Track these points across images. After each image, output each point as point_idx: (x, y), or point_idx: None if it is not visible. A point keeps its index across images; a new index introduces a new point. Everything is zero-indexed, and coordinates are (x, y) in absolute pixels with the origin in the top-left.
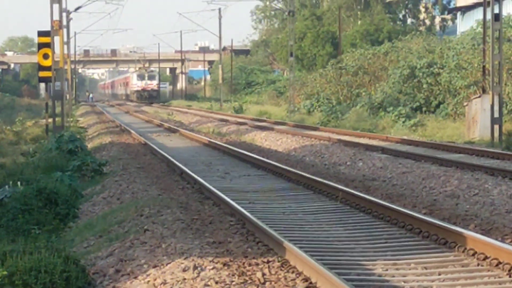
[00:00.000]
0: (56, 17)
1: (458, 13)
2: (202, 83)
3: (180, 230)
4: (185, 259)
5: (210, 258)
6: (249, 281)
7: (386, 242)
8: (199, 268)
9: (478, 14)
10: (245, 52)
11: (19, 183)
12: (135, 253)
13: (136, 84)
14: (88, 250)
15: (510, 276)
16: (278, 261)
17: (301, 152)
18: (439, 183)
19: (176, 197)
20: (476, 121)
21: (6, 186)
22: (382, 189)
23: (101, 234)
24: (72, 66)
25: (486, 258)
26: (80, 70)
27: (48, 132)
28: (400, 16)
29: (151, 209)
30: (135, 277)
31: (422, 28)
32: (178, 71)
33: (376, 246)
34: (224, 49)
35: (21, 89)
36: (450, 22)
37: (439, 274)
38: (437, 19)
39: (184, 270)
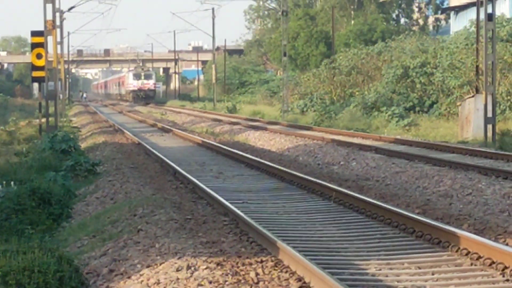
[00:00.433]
0: (49, 17)
1: (452, 13)
2: (196, 83)
3: (173, 230)
4: (178, 259)
5: (204, 258)
6: (243, 281)
7: (379, 242)
8: (192, 268)
9: (471, 13)
10: (239, 52)
11: (12, 183)
12: (128, 253)
13: (132, 83)
14: (82, 250)
15: (503, 276)
16: (272, 261)
17: (295, 152)
18: (432, 183)
19: (170, 197)
20: (469, 121)
21: (0, 186)
22: (376, 188)
23: (94, 234)
24: (66, 66)
25: (479, 257)
26: (73, 70)
27: (41, 132)
28: (394, 16)
29: (144, 209)
30: (129, 277)
31: (415, 28)
32: (171, 71)
33: (369, 246)
34: (218, 49)
35: (15, 89)
36: (443, 22)
37: (433, 274)
38: (431, 19)
39: (177, 270)
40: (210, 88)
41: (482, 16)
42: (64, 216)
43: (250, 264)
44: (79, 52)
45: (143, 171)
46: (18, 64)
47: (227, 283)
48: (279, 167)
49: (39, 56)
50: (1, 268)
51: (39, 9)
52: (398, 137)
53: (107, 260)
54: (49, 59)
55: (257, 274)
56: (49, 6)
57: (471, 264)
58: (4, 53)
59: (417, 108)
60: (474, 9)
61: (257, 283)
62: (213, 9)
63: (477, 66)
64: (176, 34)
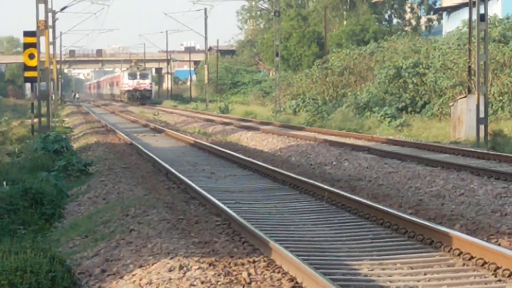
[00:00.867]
0: (42, 17)
1: (444, 13)
2: (188, 83)
3: (166, 230)
4: (171, 259)
5: (196, 258)
6: (235, 281)
7: (372, 242)
8: (185, 268)
9: (463, 14)
10: (231, 52)
11: (4, 183)
12: (121, 253)
13: (127, 83)
14: (74, 250)
15: (495, 276)
16: (264, 261)
17: (287, 152)
18: (424, 183)
19: (162, 197)
20: (461, 121)
21: None
22: (368, 189)
23: (86, 234)
24: (58, 66)
25: (471, 258)
26: (65, 70)
27: (33, 132)
28: (386, 16)
29: (137, 209)
30: (121, 277)
31: (407, 28)
32: (164, 71)
33: (362, 246)
34: (210, 49)
35: (7, 89)
36: (435, 22)
37: (425, 274)
38: (423, 19)
39: (170, 270)
40: (203, 88)
41: (474, 16)
42: (56, 216)
43: (243, 264)
44: (72, 53)
45: (136, 171)
46: (10, 64)
47: (219, 283)
48: (272, 167)
49: (31, 56)
50: None
51: (32, 9)
52: (391, 137)
53: (100, 260)
54: (42, 59)
55: (249, 274)
56: (41, 6)
57: (464, 264)
58: None
59: (410, 109)
60: (466, 9)
61: (250, 283)
62: (205, 9)
63: (469, 67)
64: (168, 34)
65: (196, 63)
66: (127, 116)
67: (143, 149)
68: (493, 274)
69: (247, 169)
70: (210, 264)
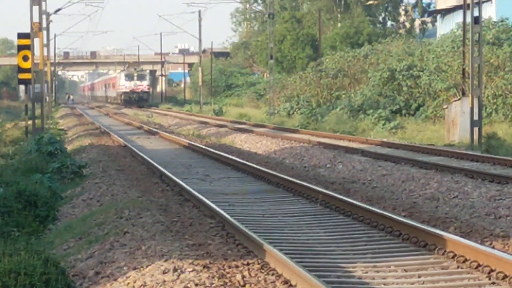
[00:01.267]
0: (36, 19)
1: (438, 16)
2: (182, 86)
3: (160, 232)
4: (165, 261)
5: (190, 260)
6: (229, 284)
7: (366, 245)
8: (179, 270)
9: (458, 17)
10: (225, 54)
11: None
12: (115, 255)
13: (124, 85)
14: (68, 252)
15: (489, 279)
16: (258, 263)
17: (281, 155)
18: (419, 185)
19: (156, 199)
20: (455, 124)
21: None
22: (362, 191)
23: (80, 236)
24: (52, 68)
25: (465, 260)
26: (60, 72)
27: (27, 134)
28: (380, 18)
29: (131, 211)
30: (115, 279)
31: (402, 31)
32: (158, 73)
33: (356, 249)
34: (204, 51)
35: (1, 91)
36: (430, 25)
37: (419, 277)
38: (417, 22)
39: (164, 272)
40: (197, 90)
41: (468, 19)
42: (50, 218)
43: (237, 266)
44: (66, 54)
45: (130, 174)
46: (4, 66)
47: (213, 285)
48: (266, 170)
49: (25, 58)
50: None
51: (26, 11)
52: (385, 140)
53: (94, 263)
54: (36, 61)
55: (243, 276)
56: (35, 8)
57: (458, 267)
58: None
59: (404, 111)
60: (461, 12)
61: (244, 285)
62: (199, 11)
63: (463, 69)
64: (162, 36)
65: (190, 65)
66: (121, 118)
67: (137, 151)
68: (487, 277)
69: (241, 171)
70: (204, 267)
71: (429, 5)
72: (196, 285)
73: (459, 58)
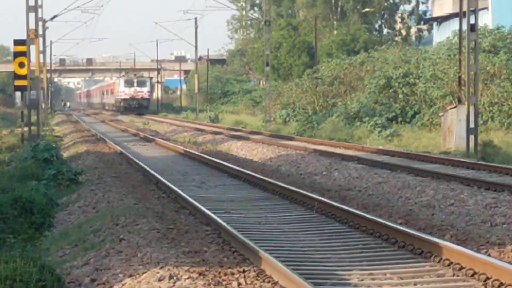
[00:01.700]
0: (32, 26)
1: (434, 24)
2: (178, 93)
3: (156, 240)
4: (160, 268)
5: (186, 268)
6: None
7: (361, 252)
8: (174, 278)
9: (454, 24)
10: (221, 61)
11: None
12: (110, 262)
13: (124, 91)
14: (64, 259)
15: (485, 287)
16: (254, 271)
17: (277, 162)
18: (414, 193)
19: (152, 206)
20: (451, 132)
21: None
22: (358, 199)
23: (76, 243)
24: (48, 75)
25: (461, 268)
26: (56, 79)
27: (23, 141)
28: (376, 26)
29: (126, 218)
30: (111, 287)
31: (398, 38)
32: (154, 80)
33: (351, 256)
34: (200, 58)
35: None
36: (426, 33)
37: (415, 284)
38: (413, 29)
39: (159, 280)
40: (193, 97)
41: (464, 26)
42: (46, 225)
43: (233, 274)
44: (62, 61)
45: (126, 181)
46: (0, 73)
47: None
48: (262, 177)
49: (21, 65)
50: None
51: (22, 18)
52: (381, 147)
53: (89, 270)
54: (32, 68)
55: (239, 284)
56: (32, 15)
57: (453, 275)
58: None
59: (400, 119)
60: (457, 19)
61: None
62: (195, 19)
63: (459, 77)
64: (158, 43)
65: (187, 72)
66: (117, 125)
67: (133, 158)
68: (483, 285)
69: (237, 179)
70: (200, 274)
71: (425, 12)
72: None
73: (455, 66)
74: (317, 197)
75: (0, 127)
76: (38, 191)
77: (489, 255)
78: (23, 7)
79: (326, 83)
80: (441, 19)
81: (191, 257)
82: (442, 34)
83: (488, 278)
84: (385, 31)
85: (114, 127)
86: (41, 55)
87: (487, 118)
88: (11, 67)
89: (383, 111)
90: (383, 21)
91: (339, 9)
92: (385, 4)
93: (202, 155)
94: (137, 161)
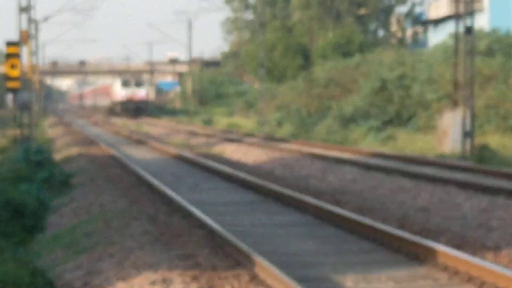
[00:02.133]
0: (24, 27)
1: (430, 26)
2: (171, 95)
3: (148, 243)
4: (153, 272)
5: (179, 271)
6: None
7: (356, 256)
8: (167, 282)
9: (449, 26)
10: (215, 63)
11: None
12: (103, 266)
13: (120, 93)
14: (56, 263)
15: None
16: (248, 275)
17: (271, 165)
18: (410, 196)
19: (145, 209)
20: (447, 135)
21: None
22: (353, 202)
23: (68, 246)
24: (40, 77)
25: (457, 272)
26: (48, 81)
27: (15, 143)
28: (372, 28)
29: (119, 222)
30: None
31: (393, 41)
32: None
33: (346, 260)
34: (194, 60)
35: None
36: (421, 35)
37: None
38: (409, 32)
39: (152, 283)
40: (186, 99)
41: (461, 29)
42: (38, 228)
43: (226, 277)
44: (54, 63)
45: (118, 184)
46: None
47: None
48: (255, 180)
49: (13, 67)
50: None
51: (14, 19)
52: (376, 150)
53: (81, 273)
54: (24, 69)
55: (232, 287)
56: (24, 16)
57: (449, 279)
58: None
59: (395, 121)
60: (453, 22)
61: None
62: (189, 20)
63: (455, 80)
64: (152, 45)
65: (180, 74)
66: (110, 127)
67: (126, 161)
68: None
69: (230, 182)
70: (193, 278)
71: (421, 14)
72: None
73: (451, 68)
74: (311, 200)
75: None
76: (30, 193)
77: (485, 259)
78: (15, 9)
79: (320, 85)
80: (437, 22)
81: (184, 261)
82: (438, 37)
83: (484, 283)
84: (380, 33)
85: (107, 129)
86: (34, 57)
87: (483, 121)
88: (3, 69)
89: (378, 114)
90: (378, 23)
91: (334, 11)
92: (381, 6)
93: (196, 158)
94: (130, 164)
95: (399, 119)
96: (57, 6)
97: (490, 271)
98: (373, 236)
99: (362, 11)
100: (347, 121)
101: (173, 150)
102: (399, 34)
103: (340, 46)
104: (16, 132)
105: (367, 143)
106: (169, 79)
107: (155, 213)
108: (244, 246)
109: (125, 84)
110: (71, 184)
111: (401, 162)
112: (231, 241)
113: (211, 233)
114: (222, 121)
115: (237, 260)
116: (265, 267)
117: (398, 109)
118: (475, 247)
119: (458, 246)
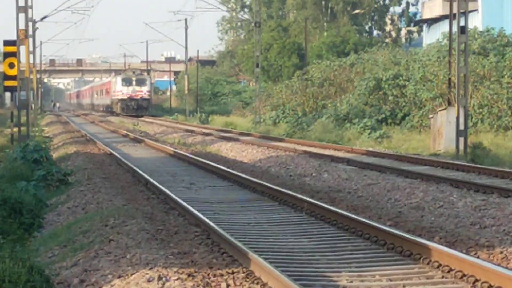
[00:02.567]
0: (22, 26)
1: (424, 25)
2: (168, 94)
3: (145, 241)
4: (149, 269)
5: (175, 269)
6: None
7: (351, 254)
8: (163, 279)
9: (444, 26)
10: (211, 62)
11: None
12: (99, 263)
13: (121, 91)
14: (53, 260)
15: None
16: (243, 272)
17: (267, 163)
18: (404, 195)
19: (141, 207)
20: (441, 134)
21: None
22: (347, 200)
23: (65, 244)
24: (38, 76)
25: (450, 270)
26: (45, 80)
27: (13, 141)
28: (367, 28)
29: (116, 219)
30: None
31: (388, 40)
32: None
33: (341, 258)
34: (190, 59)
35: None
36: (416, 34)
37: (404, 286)
38: (403, 31)
39: (148, 281)
40: (183, 99)
41: (454, 28)
42: (35, 226)
43: (222, 275)
44: (52, 62)
45: (115, 182)
46: None
47: None
48: (251, 178)
49: (11, 66)
50: None
51: (12, 18)
52: (370, 149)
53: (78, 271)
54: (22, 68)
55: (228, 285)
56: (21, 16)
57: (442, 277)
58: None
59: (389, 120)
60: (447, 21)
61: None
62: (186, 20)
63: (449, 79)
64: (148, 44)
65: (176, 73)
66: (107, 126)
67: (122, 159)
68: (472, 287)
69: (226, 180)
70: (189, 275)
71: (415, 14)
72: None
73: (445, 68)
74: (306, 198)
75: None
76: (28, 192)
77: (478, 257)
78: (13, 8)
79: (316, 84)
80: (431, 21)
81: (180, 258)
82: (432, 36)
83: (477, 280)
84: (375, 33)
85: (104, 128)
86: (31, 56)
87: (476, 120)
88: (1, 68)
89: (373, 113)
90: (373, 23)
91: (329, 10)
92: (375, 6)
93: (192, 156)
94: (126, 162)
95: (394, 118)
96: (55, 6)
97: (484, 268)
98: (368, 234)
99: (357, 11)
100: (342, 120)
101: (169, 149)
102: (394, 34)
103: (335, 46)
104: (14, 130)
105: (361, 142)
106: (165, 78)
107: (152, 211)
108: (239, 244)
109: (126, 81)
110: (68, 182)
111: (395, 160)
112: (226, 239)
113: (207, 231)
114: (218, 120)
115: (232, 257)
116: (260, 265)
117: (393, 108)
118: (468, 245)
119: (452, 244)
